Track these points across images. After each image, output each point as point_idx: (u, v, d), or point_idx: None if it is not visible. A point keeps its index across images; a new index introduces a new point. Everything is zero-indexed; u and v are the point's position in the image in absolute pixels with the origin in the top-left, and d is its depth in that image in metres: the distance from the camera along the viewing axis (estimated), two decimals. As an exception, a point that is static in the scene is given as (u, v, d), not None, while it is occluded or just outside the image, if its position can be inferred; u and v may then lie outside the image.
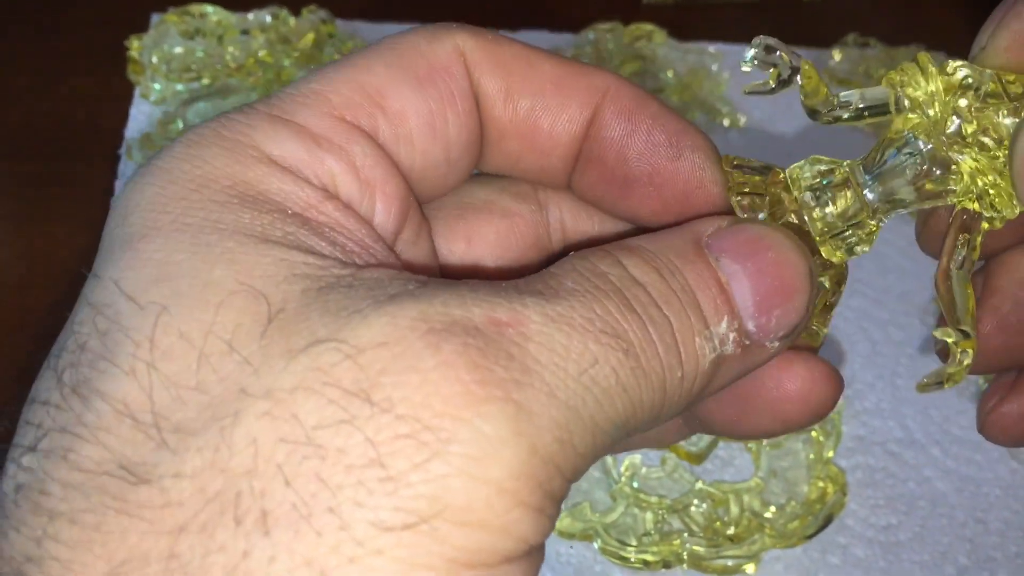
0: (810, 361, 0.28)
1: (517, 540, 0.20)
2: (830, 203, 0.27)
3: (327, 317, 0.21)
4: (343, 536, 0.19)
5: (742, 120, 0.61)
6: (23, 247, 0.54)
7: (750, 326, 0.24)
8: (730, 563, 0.43)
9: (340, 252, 0.23)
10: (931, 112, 0.26)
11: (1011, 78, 0.26)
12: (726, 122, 0.61)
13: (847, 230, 0.27)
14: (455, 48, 0.26)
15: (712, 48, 0.63)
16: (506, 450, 0.20)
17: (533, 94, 0.27)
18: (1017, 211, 0.26)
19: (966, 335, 0.26)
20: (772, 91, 0.26)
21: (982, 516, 0.47)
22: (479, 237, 0.29)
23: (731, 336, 0.24)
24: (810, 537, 0.45)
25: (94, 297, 0.22)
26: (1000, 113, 0.26)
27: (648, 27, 0.63)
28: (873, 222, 0.27)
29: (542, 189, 0.29)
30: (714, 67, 0.63)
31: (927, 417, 0.50)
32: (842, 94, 0.27)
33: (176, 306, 0.21)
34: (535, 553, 0.21)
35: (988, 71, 0.26)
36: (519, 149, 0.27)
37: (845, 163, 0.27)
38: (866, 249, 0.27)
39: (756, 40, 0.26)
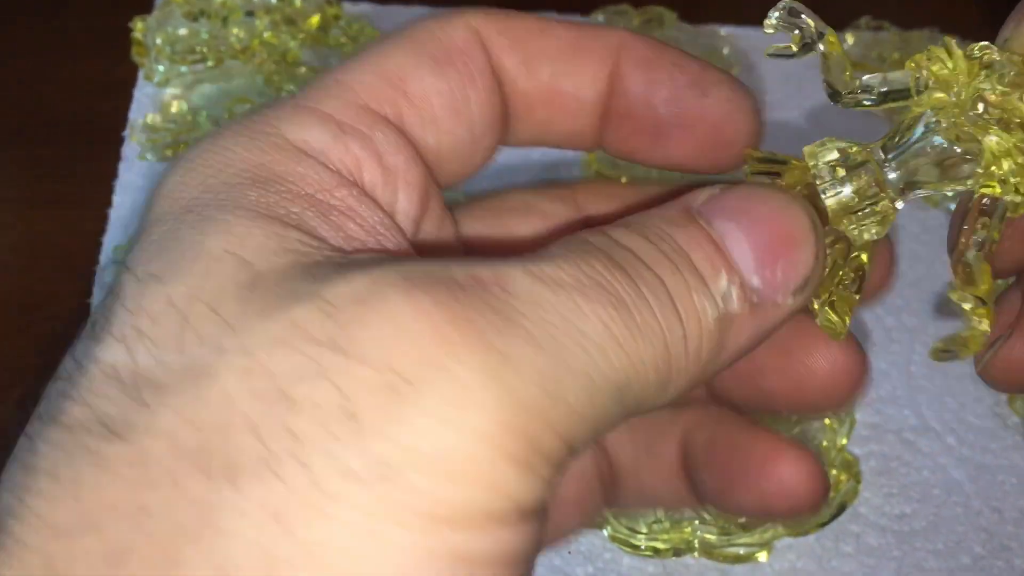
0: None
1: (504, 497, 0.20)
2: (848, 181, 0.26)
3: (308, 281, 0.21)
4: (312, 488, 0.19)
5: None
6: (26, 230, 0.53)
7: (754, 282, 0.24)
8: (742, 551, 0.43)
9: (343, 236, 0.23)
10: (955, 90, 0.25)
11: None
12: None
13: (863, 208, 0.26)
14: (469, 28, 0.26)
15: (723, 31, 0.63)
16: (485, 396, 0.20)
17: (552, 60, 0.27)
18: None
19: (983, 303, 0.26)
20: (795, 55, 0.26)
21: (998, 505, 0.46)
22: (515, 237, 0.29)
23: (734, 293, 0.23)
24: (823, 525, 0.44)
25: (112, 282, 0.23)
26: (1022, 98, 0.25)
27: (658, 10, 0.62)
28: (890, 204, 0.26)
29: (580, 191, 0.29)
30: (725, 50, 0.62)
31: (942, 405, 0.49)
32: (864, 77, 0.26)
33: (168, 275, 0.21)
34: (530, 520, 0.21)
35: (1016, 58, 0.25)
36: (548, 117, 0.28)
37: (865, 144, 0.27)
38: (882, 232, 0.26)
39: (781, 3, 0.25)
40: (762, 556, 0.43)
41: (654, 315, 0.22)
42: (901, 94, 0.26)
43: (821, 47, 0.26)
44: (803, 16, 0.26)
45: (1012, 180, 0.25)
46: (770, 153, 0.28)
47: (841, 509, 0.44)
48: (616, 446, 0.32)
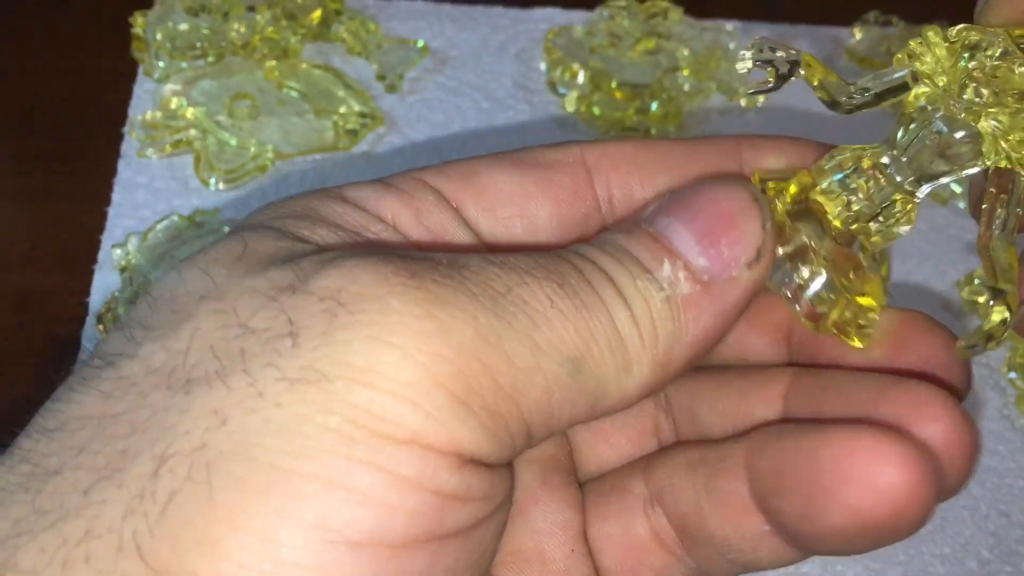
0: (886, 436, 0.23)
1: (434, 423, 0.21)
2: (859, 190, 0.26)
3: (293, 259, 0.23)
4: (250, 391, 0.21)
5: (760, 99, 0.60)
6: (25, 226, 0.53)
7: (700, 262, 0.24)
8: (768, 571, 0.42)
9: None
10: (941, 81, 0.25)
11: (1020, 32, 0.25)
12: (743, 102, 0.59)
13: (881, 212, 0.26)
14: (572, 151, 0.28)
15: (729, 26, 0.62)
16: (416, 324, 0.21)
17: (669, 169, 0.28)
18: None
19: (1000, 293, 0.25)
20: (773, 88, 0.26)
21: (1005, 509, 0.46)
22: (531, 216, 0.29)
23: (681, 276, 0.24)
24: (828, 529, 0.44)
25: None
26: (1015, 67, 0.25)
27: (664, 4, 0.61)
28: (908, 200, 0.26)
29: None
30: (731, 45, 0.61)
31: (949, 406, 0.49)
32: (859, 81, 0.26)
33: (192, 261, 0.24)
34: (471, 471, 0.21)
35: (998, 30, 0.25)
36: None
37: (869, 148, 0.27)
38: (906, 229, 0.26)
39: (751, 41, 0.26)
40: (766, 560, 0.43)
41: (597, 295, 0.23)
42: (899, 90, 0.26)
43: (801, 72, 0.26)
44: (775, 51, 0.26)
45: (1014, 156, 0.25)
46: (777, 172, 0.28)
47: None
48: (673, 495, 0.28)
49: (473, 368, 0.21)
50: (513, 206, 0.28)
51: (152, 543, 0.20)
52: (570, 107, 0.57)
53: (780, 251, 0.26)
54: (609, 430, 0.30)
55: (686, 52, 0.60)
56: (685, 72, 0.59)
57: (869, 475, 0.23)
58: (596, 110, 0.57)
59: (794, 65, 0.26)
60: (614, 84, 0.58)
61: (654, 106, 0.57)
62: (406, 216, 0.27)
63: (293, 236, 0.25)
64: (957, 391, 0.26)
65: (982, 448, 0.47)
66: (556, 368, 0.23)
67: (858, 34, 0.63)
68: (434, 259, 0.23)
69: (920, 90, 0.26)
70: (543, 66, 0.60)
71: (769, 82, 0.26)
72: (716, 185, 0.26)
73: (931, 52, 0.25)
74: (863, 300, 0.27)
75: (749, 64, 0.26)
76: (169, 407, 0.21)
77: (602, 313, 0.23)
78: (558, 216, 0.28)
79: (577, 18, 0.62)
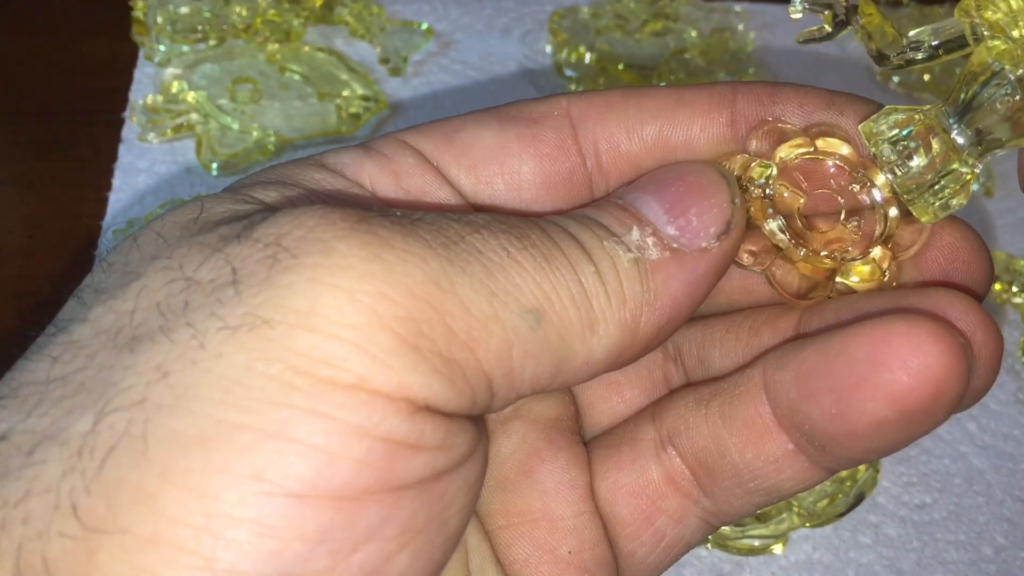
0: (918, 323, 0.23)
1: (381, 367, 0.20)
2: (915, 155, 0.24)
3: (245, 216, 0.23)
4: (192, 343, 0.20)
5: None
6: (25, 212, 0.52)
7: (669, 230, 0.24)
8: (756, 543, 0.42)
9: None
10: (1016, 34, 0.23)
11: None
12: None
13: (938, 182, 0.25)
14: (557, 103, 0.27)
15: (738, 7, 0.61)
16: (358, 263, 0.21)
17: (655, 118, 0.27)
18: None
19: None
20: (829, 36, 0.24)
21: (1021, 494, 0.45)
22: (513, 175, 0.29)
23: (650, 241, 0.24)
24: (840, 516, 0.43)
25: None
26: None
27: (671, -15, 0.60)
28: (967, 169, 0.24)
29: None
30: (740, 26, 0.60)
31: (963, 390, 0.48)
32: (912, 33, 0.24)
33: (149, 226, 0.24)
34: (423, 419, 0.21)
35: None
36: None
37: (924, 108, 0.25)
38: (963, 201, 0.25)
39: None
40: (777, 548, 0.42)
41: (560, 251, 0.23)
42: (955, 44, 0.24)
43: (859, 19, 0.24)
44: None
45: None
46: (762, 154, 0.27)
47: (859, 499, 0.43)
48: (688, 433, 0.28)
49: (424, 312, 0.21)
50: (494, 163, 0.27)
51: (88, 501, 0.19)
52: (576, 90, 0.57)
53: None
54: (622, 382, 0.30)
55: (694, 33, 0.59)
56: (693, 54, 0.58)
57: (905, 357, 0.22)
58: (603, 92, 0.56)
59: (852, 10, 0.24)
60: (621, 66, 0.57)
61: (662, 88, 0.56)
62: (385, 179, 0.26)
63: (256, 200, 0.24)
64: (981, 288, 0.26)
65: (996, 432, 0.46)
66: (515, 319, 0.22)
67: None
68: (388, 210, 0.23)
69: (992, 44, 0.23)
70: (549, 48, 0.59)
71: (825, 29, 0.25)
72: (684, 164, 0.26)
73: (1005, 1, 0.23)
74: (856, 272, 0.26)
75: (801, 9, 0.25)
76: (114, 365, 0.21)
77: (564, 267, 0.23)
78: (541, 172, 0.27)
79: (583, -1, 0.61)
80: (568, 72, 0.57)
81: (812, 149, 0.26)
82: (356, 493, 0.20)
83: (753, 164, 0.26)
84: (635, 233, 0.24)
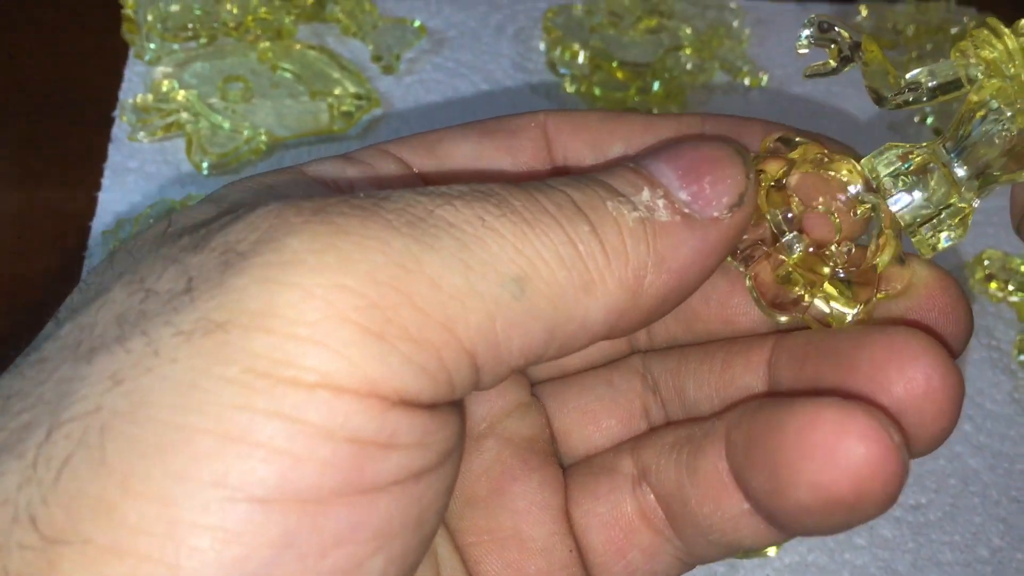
0: (848, 408, 0.22)
1: (344, 362, 0.19)
2: (915, 189, 0.25)
3: (206, 224, 0.22)
4: (147, 350, 0.20)
5: (764, 79, 0.58)
6: (14, 213, 0.52)
7: (682, 195, 0.24)
8: (750, 551, 0.41)
9: None
10: (1011, 72, 0.24)
11: None
12: (747, 81, 0.58)
13: (938, 215, 0.25)
14: (534, 118, 0.28)
15: (733, 4, 0.60)
16: (311, 256, 0.20)
17: (622, 141, 0.27)
18: None
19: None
20: (834, 71, 0.25)
21: (1017, 495, 0.45)
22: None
23: (660, 203, 0.23)
24: (835, 517, 0.43)
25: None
26: None
27: (666, -18, 0.60)
28: (965, 204, 0.24)
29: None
30: (735, 23, 0.60)
31: (958, 390, 0.48)
32: (909, 75, 0.25)
33: (124, 245, 0.24)
34: (394, 411, 0.20)
35: None
36: None
37: (923, 145, 0.25)
38: (962, 235, 0.25)
39: (809, 19, 0.25)
40: (771, 550, 0.42)
41: (546, 212, 0.22)
42: (951, 86, 0.25)
43: (861, 56, 0.24)
44: (836, 28, 0.24)
45: None
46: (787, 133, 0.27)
47: (854, 500, 0.43)
48: (659, 474, 0.27)
49: (388, 297, 0.20)
50: (474, 171, 0.27)
51: (46, 511, 0.19)
52: (570, 88, 0.56)
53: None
54: (598, 411, 0.29)
55: (688, 30, 0.59)
56: (688, 51, 0.58)
57: (830, 449, 0.22)
58: (597, 91, 0.56)
59: (856, 47, 0.25)
60: (615, 64, 0.56)
61: (656, 86, 0.56)
62: (366, 186, 0.26)
63: (219, 208, 0.24)
64: (955, 340, 0.26)
65: (992, 432, 0.46)
66: (496, 290, 0.21)
67: (864, 11, 0.62)
68: (351, 195, 0.22)
69: (989, 84, 0.24)
70: (542, 46, 0.58)
71: (831, 64, 0.25)
72: (701, 137, 0.26)
73: (1001, 41, 0.24)
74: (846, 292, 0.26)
75: (808, 44, 0.25)
76: (72, 377, 0.20)
77: (551, 228, 0.22)
78: (517, 180, 0.27)
79: (577, -4, 0.61)
80: (562, 70, 0.57)
81: (825, 160, 0.26)
82: (323, 496, 0.19)
83: (770, 159, 0.26)
84: (645, 194, 0.23)
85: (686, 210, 0.23)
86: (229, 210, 0.23)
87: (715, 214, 0.24)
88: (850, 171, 0.26)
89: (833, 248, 0.26)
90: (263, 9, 0.56)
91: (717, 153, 0.24)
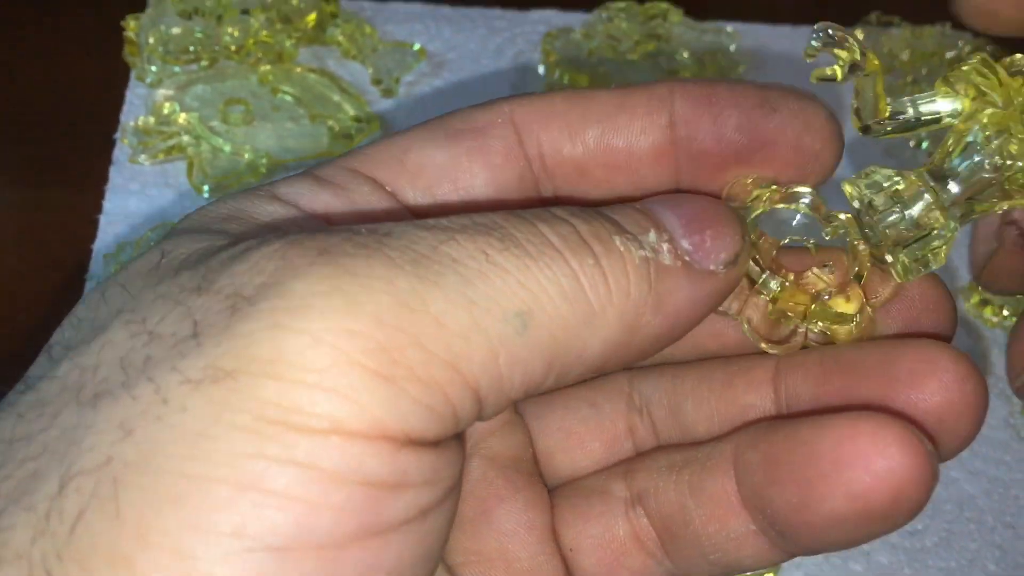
0: (880, 420, 0.23)
1: (355, 407, 0.20)
2: (904, 208, 0.25)
3: (204, 259, 0.22)
4: (155, 398, 0.20)
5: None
6: (15, 235, 0.52)
7: (684, 243, 0.24)
8: (748, 572, 0.42)
9: None
10: (1004, 102, 0.24)
11: None
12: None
13: (919, 239, 0.25)
14: (501, 110, 0.27)
15: (730, 27, 0.61)
16: (318, 300, 0.20)
17: (598, 121, 0.27)
18: None
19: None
20: (844, 79, 0.25)
21: (1012, 521, 0.45)
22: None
23: (665, 247, 0.24)
24: (832, 543, 0.43)
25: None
26: None
27: (663, 5, 0.60)
28: (948, 232, 0.25)
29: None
30: (732, 47, 0.60)
31: (954, 415, 0.48)
32: (892, 104, 0.25)
33: (114, 277, 0.24)
34: (405, 452, 0.20)
35: None
36: (605, 175, 0.27)
37: (903, 174, 0.25)
38: (941, 260, 0.25)
39: (818, 26, 0.25)
40: (769, 574, 0.42)
41: (550, 245, 0.22)
42: (933, 119, 0.25)
43: (862, 70, 0.25)
44: (847, 37, 0.25)
45: None
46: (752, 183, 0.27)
47: (851, 526, 0.43)
48: (656, 496, 0.28)
49: (395, 339, 0.20)
50: (448, 182, 0.27)
51: (61, 567, 0.19)
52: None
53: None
54: (582, 433, 0.30)
55: (686, 54, 0.59)
56: (686, 75, 0.58)
57: (868, 458, 0.23)
58: (595, 114, 0.56)
59: (863, 56, 0.25)
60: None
61: (654, 110, 0.56)
62: (341, 210, 0.25)
63: (211, 236, 0.23)
64: (948, 332, 0.27)
65: (988, 457, 0.46)
66: (499, 326, 0.21)
67: (860, 35, 0.62)
68: (352, 230, 0.22)
69: (985, 111, 0.24)
70: (541, 69, 0.59)
71: (838, 71, 0.25)
72: (700, 195, 0.26)
73: (993, 74, 0.24)
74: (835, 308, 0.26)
75: (817, 51, 0.25)
76: (77, 424, 0.20)
77: (554, 261, 0.22)
78: (494, 182, 0.27)
79: (575, 20, 0.61)
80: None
81: (783, 194, 0.26)
82: (340, 541, 0.20)
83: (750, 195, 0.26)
84: (652, 235, 0.24)
85: (687, 258, 0.24)
86: (227, 243, 0.23)
87: (712, 267, 0.24)
88: (812, 198, 0.26)
89: (810, 274, 0.27)
90: (264, 32, 0.56)
91: (718, 210, 0.25)
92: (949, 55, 0.62)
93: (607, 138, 0.27)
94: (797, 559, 0.43)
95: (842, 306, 0.26)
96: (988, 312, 0.51)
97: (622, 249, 0.23)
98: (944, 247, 0.25)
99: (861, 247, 0.26)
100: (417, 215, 0.26)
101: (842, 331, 0.26)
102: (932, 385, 0.24)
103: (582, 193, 0.28)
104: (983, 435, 0.47)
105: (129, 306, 0.22)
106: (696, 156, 0.27)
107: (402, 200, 0.26)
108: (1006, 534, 0.44)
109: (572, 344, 0.22)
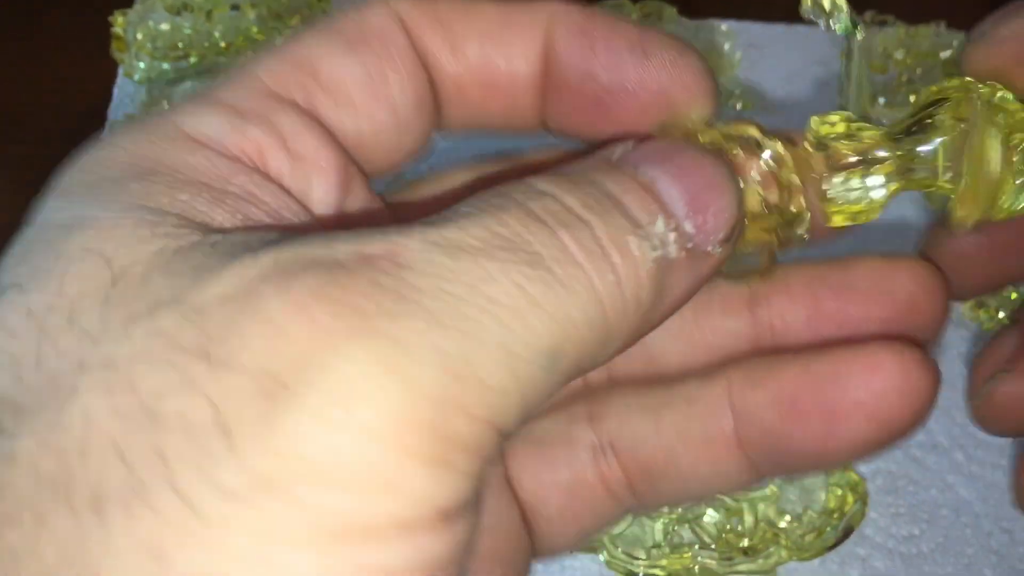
0: (898, 348, 0.26)
1: (417, 502, 0.18)
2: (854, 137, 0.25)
3: (174, 278, 0.19)
4: (187, 514, 0.17)
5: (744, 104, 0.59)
6: (5, 234, 0.51)
7: (688, 227, 0.22)
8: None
9: (241, 220, 0.21)
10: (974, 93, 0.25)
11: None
12: (739, 105, 0.58)
13: (860, 164, 0.25)
14: (389, 12, 0.25)
15: (724, 26, 0.61)
16: (376, 390, 0.17)
17: (480, 38, 0.25)
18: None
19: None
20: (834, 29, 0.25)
21: (1009, 526, 0.45)
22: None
23: (671, 237, 0.22)
24: (829, 549, 0.43)
25: None
26: None
27: (657, 4, 0.60)
28: (887, 189, 0.25)
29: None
30: (726, 46, 0.60)
31: (950, 419, 0.48)
32: (881, 100, 0.26)
33: (29, 282, 0.19)
34: (455, 520, 0.19)
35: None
36: (481, 96, 0.26)
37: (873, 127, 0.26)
38: (874, 216, 0.25)
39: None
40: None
41: (578, 265, 0.20)
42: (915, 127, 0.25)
43: (859, 37, 0.25)
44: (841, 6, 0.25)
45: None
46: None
47: (848, 532, 0.43)
48: (633, 441, 0.27)
49: (445, 415, 0.18)
50: (371, 99, 0.25)
51: None
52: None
53: None
54: None
55: (680, 53, 0.59)
56: (680, 74, 0.58)
57: (899, 383, 0.25)
58: (589, 113, 0.56)
59: (855, 24, 0.25)
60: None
61: (648, 109, 0.56)
62: (274, 151, 0.23)
63: (152, 221, 0.20)
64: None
65: (984, 462, 0.46)
66: (532, 369, 0.19)
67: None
68: (366, 257, 0.19)
69: (954, 84, 0.25)
70: (534, 67, 0.58)
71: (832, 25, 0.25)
72: (696, 149, 0.24)
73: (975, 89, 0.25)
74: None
75: (810, 9, 0.26)
76: (83, 540, 0.17)
77: (585, 289, 0.20)
78: (413, 92, 0.25)
79: (569, 18, 0.61)
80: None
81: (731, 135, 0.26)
82: None
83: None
84: (660, 225, 0.22)
85: (689, 244, 0.22)
86: (186, 246, 0.20)
87: (709, 248, 0.23)
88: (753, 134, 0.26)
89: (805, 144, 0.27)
90: (255, 28, 0.55)
91: (718, 176, 0.23)
92: (943, 55, 0.61)
93: (487, 58, 0.25)
94: (792, 566, 0.42)
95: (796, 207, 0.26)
96: (984, 315, 0.51)
97: (638, 255, 0.21)
98: (876, 204, 0.25)
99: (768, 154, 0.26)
100: (348, 146, 0.24)
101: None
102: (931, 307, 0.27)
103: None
104: (979, 439, 0.47)
105: (93, 358, 0.18)
106: (562, 90, 0.25)
107: (324, 122, 0.24)
108: (1003, 539, 0.44)
109: (586, 365, 0.21)
